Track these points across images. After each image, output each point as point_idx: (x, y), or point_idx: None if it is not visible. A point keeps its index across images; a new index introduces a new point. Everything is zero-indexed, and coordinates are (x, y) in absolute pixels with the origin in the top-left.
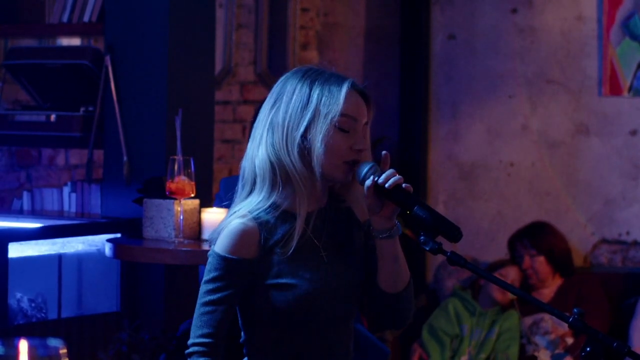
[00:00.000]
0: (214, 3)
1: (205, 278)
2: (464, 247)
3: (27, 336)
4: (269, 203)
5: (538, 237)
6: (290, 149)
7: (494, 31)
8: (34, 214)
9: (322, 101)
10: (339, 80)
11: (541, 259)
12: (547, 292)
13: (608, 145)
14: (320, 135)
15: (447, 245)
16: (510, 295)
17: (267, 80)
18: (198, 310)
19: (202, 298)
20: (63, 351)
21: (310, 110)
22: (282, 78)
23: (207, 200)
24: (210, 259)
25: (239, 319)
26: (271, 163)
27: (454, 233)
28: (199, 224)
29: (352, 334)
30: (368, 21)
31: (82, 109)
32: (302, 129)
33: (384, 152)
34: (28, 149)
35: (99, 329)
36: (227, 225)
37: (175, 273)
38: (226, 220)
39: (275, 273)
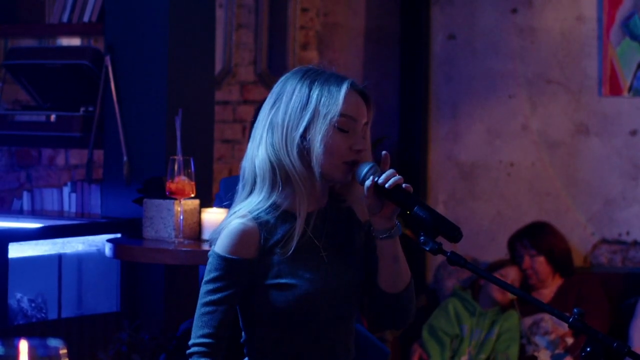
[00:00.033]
0: (214, 3)
1: (205, 278)
2: (464, 247)
3: (27, 336)
4: (269, 203)
5: (538, 237)
6: (289, 149)
7: (494, 31)
8: (34, 214)
9: (322, 101)
10: (338, 80)
11: (541, 259)
12: (547, 292)
13: (608, 145)
14: (320, 136)
15: (447, 246)
16: (510, 296)
17: (267, 80)
18: (199, 310)
19: (202, 298)
20: (63, 351)
21: (310, 111)
22: (282, 78)
23: (207, 201)
24: (210, 259)
25: (240, 319)
26: (271, 163)
27: (454, 233)
28: (199, 224)
29: (353, 334)
30: (368, 21)
31: (82, 109)
32: (301, 129)
33: (384, 152)
34: (28, 149)
35: (99, 329)
36: (227, 226)
37: (175, 273)
38: (226, 220)
39: (275, 273)
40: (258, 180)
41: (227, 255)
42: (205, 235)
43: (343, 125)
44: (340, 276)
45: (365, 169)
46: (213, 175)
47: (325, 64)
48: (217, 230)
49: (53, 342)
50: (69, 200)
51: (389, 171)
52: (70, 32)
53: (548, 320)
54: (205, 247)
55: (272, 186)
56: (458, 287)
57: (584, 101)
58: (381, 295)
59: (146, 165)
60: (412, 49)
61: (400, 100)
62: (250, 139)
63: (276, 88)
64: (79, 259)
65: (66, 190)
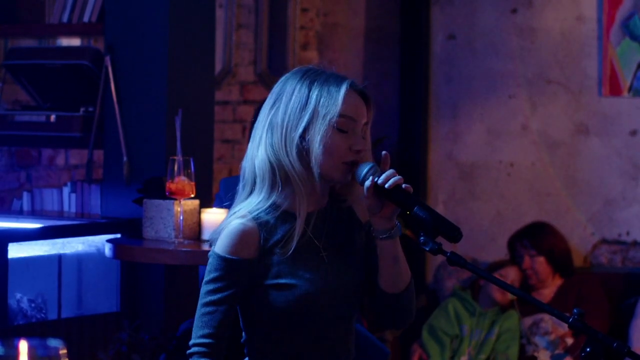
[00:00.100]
0: (214, 3)
1: (205, 279)
2: (464, 247)
3: (27, 336)
4: (268, 203)
5: (538, 237)
6: (289, 149)
7: (494, 31)
8: (33, 214)
9: (321, 102)
10: (338, 80)
11: (541, 259)
12: (547, 293)
13: (608, 145)
14: (319, 136)
15: (447, 246)
16: (510, 296)
17: (267, 81)
18: (199, 310)
19: (202, 299)
20: (63, 351)
21: (309, 111)
22: (282, 78)
23: (207, 201)
24: (210, 260)
25: (240, 319)
26: (270, 163)
27: (454, 233)
28: (198, 224)
29: (353, 334)
30: (368, 21)
31: (82, 109)
32: (300, 129)
33: (383, 152)
34: (28, 149)
35: (99, 329)
36: (227, 226)
37: (175, 273)
38: (226, 220)
39: (275, 273)
40: (258, 180)
41: (227, 256)
42: (205, 235)
43: (342, 126)
44: (340, 276)
45: (365, 169)
46: (213, 175)
47: (325, 64)
48: (217, 231)
49: (53, 343)
50: (68, 200)
51: (389, 171)
52: (70, 32)
53: (548, 321)
54: (205, 247)
55: (272, 186)
56: (458, 287)
57: (584, 101)
58: (381, 296)
59: (146, 166)
60: (412, 49)
61: (400, 100)
62: (250, 139)
63: (276, 88)
64: (79, 259)
65: (66, 190)
